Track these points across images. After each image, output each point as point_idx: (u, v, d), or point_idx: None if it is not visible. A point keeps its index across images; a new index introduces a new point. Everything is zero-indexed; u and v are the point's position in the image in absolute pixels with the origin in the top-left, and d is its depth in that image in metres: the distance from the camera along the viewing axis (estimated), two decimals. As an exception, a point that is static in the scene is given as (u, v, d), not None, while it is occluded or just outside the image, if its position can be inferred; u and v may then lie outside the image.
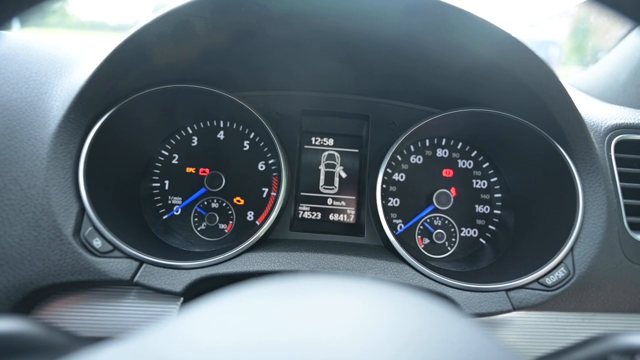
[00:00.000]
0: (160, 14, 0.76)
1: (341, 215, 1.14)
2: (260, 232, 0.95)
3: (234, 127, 1.13)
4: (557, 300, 0.87)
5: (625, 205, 0.91)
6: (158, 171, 1.10)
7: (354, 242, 1.08)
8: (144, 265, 0.86)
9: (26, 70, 0.88)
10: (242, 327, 0.32)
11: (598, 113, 1.00)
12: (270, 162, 1.12)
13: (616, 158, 0.94)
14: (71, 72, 0.90)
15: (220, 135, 1.12)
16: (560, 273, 0.87)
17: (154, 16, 0.76)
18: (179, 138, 1.12)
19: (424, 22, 0.78)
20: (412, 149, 1.14)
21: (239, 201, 1.11)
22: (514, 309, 0.87)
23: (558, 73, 0.82)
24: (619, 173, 0.92)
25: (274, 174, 1.11)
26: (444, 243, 1.11)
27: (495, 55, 0.82)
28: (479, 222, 1.12)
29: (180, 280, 0.86)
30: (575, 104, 0.86)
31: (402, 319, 0.34)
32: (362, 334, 0.31)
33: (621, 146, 0.95)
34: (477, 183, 1.13)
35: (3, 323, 0.57)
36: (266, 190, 1.11)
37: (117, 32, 0.80)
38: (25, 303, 0.80)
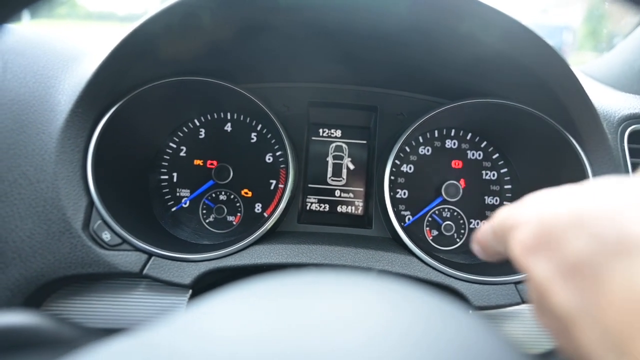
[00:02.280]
0: (166, 5, 0.75)
1: (349, 207, 1.13)
2: (268, 225, 0.95)
3: (241, 119, 1.12)
4: (567, 292, 0.86)
5: (639, 197, 0.89)
6: (166, 164, 1.11)
7: (361, 234, 1.08)
8: (152, 258, 0.86)
9: (34, 64, 0.88)
10: (250, 321, 0.32)
11: (612, 102, 0.98)
12: (278, 154, 1.11)
13: (630, 149, 0.91)
14: (78, 65, 0.90)
15: (228, 127, 1.12)
16: (570, 265, 0.86)
17: (160, 8, 0.75)
18: (186, 130, 1.12)
19: (432, 12, 0.77)
20: (421, 140, 1.13)
21: (246, 193, 1.11)
22: (523, 301, 0.86)
23: (570, 61, 0.80)
24: (633, 164, 0.90)
25: (282, 166, 1.11)
26: (452, 235, 1.10)
27: (505, 44, 0.80)
28: (488, 213, 1.11)
29: (188, 273, 0.87)
30: (588, 93, 0.84)
31: (408, 316, 0.35)
32: (367, 331, 0.31)
33: (635, 136, 0.93)
34: (486, 174, 1.12)
35: (15, 316, 0.58)
36: (274, 182, 1.11)
37: (126, 22, 0.80)
38: (36, 296, 0.82)
